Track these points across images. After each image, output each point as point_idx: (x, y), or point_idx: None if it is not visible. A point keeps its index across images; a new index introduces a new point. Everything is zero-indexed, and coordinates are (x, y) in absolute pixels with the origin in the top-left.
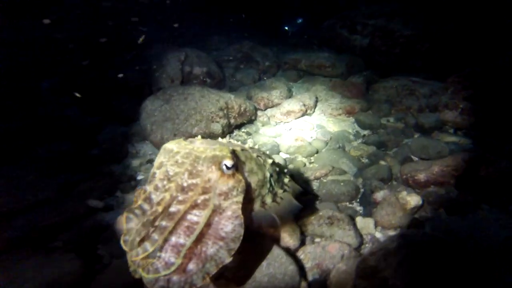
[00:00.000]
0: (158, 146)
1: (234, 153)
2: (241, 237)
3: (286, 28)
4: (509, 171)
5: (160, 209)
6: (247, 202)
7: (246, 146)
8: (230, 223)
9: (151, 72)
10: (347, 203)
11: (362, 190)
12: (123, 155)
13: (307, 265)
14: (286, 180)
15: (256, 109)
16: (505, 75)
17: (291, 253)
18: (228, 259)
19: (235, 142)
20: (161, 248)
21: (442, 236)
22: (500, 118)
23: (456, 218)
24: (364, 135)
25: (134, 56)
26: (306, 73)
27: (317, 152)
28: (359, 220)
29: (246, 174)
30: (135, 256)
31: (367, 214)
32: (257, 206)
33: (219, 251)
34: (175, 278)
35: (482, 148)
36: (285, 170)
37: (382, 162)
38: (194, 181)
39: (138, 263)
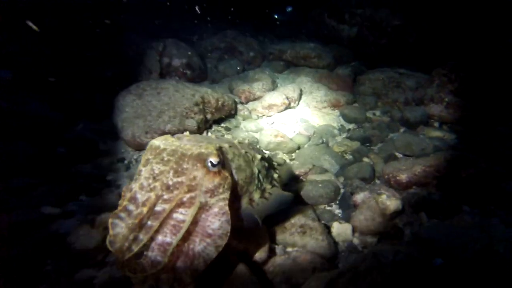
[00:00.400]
0: (130, 144)
1: (220, 150)
2: (228, 234)
3: (276, 16)
4: (488, 172)
5: (145, 210)
6: (234, 198)
7: (235, 141)
8: (217, 220)
9: (127, 64)
10: (326, 206)
11: (342, 190)
12: (92, 154)
13: (276, 279)
14: (276, 175)
15: (236, 103)
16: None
17: (259, 266)
18: (215, 255)
19: (225, 137)
20: (147, 248)
21: (417, 255)
22: (486, 112)
23: (437, 222)
24: (349, 129)
25: (106, 47)
26: (292, 64)
27: (298, 148)
28: (336, 226)
29: (233, 171)
30: (121, 257)
31: (346, 218)
32: (244, 202)
33: (206, 248)
34: (164, 276)
35: (466, 144)
36: (275, 164)
37: (366, 159)
38: (179, 179)
39: (124, 263)
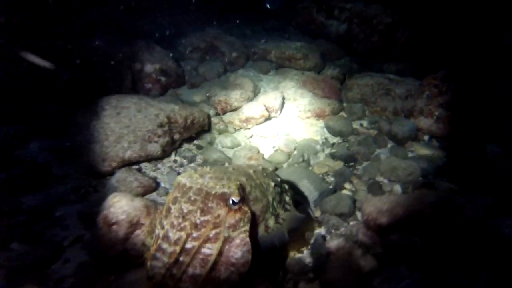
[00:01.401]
0: (87, 170)
1: (240, 188)
2: (250, 261)
3: (268, 5)
4: (474, 221)
5: (178, 249)
6: (252, 228)
7: (251, 171)
8: (239, 250)
9: (93, 71)
10: (295, 253)
11: (317, 231)
12: (44, 181)
13: None
14: (287, 198)
15: (209, 117)
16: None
17: None
18: (239, 280)
19: (243, 168)
20: (180, 280)
21: None
22: (476, 126)
23: (417, 278)
24: (333, 144)
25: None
26: (278, 65)
27: (276, 170)
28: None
29: (251, 203)
30: None
31: (316, 272)
32: (261, 230)
33: (231, 276)
34: None
35: (455, 165)
36: (287, 187)
37: (347, 186)
38: (205, 218)
39: None
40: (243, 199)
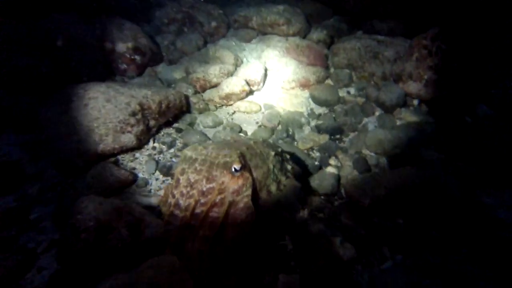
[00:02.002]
0: (61, 167)
1: (241, 156)
2: (253, 221)
3: None
4: (455, 198)
5: (188, 214)
6: (254, 192)
7: (251, 142)
8: (244, 213)
9: (55, 56)
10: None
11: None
12: (19, 178)
13: None
14: (289, 167)
15: (187, 98)
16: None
17: None
18: (245, 239)
19: (242, 139)
20: (193, 240)
21: None
22: (465, 89)
23: (396, 265)
24: (319, 115)
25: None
26: (260, 32)
27: None
28: (282, 278)
29: (252, 169)
30: (178, 252)
31: (297, 261)
32: (263, 195)
33: (237, 235)
34: (206, 258)
35: (442, 133)
36: (288, 157)
37: (332, 163)
38: (211, 185)
39: (178, 253)
40: (244, 166)
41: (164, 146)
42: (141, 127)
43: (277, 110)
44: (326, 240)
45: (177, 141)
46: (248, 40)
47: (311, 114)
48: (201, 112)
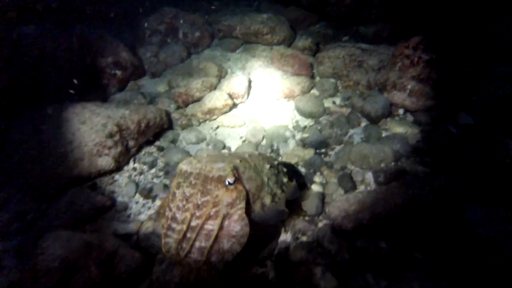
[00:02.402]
0: (33, 193)
1: (234, 169)
2: (248, 233)
3: None
4: (440, 218)
5: (185, 227)
6: (248, 204)
7: (246, 155)
8: (238, 224)
9: (28, 72)
10: (258, 268)
11: (281, 239)
12: None
13: None
14: (285, 179)
15: (168, 115)
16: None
17: None
18: (240, 250)
19: (236, 152)
20: (190, 251)
21: None
22: (449, 98)
23: (383, 286)
24: (304, 127)
25: None
26: (244, 41)
27: None
28: None
29: (245, 181)
30: (177, 261)
31: None
32: (257, 207)
33: (233, 245)
34: (204, 267)
35: (428, 145)
36: (285, 170)
37: (317, 180)
38: (206, 198)
39: (178, 262)
40: (238, 179)
41: (145, 167)
42: (119, 148)
43: (262, 123)
44: (308, 270)
45: (158, 161)
46: (233, 50)
47: (296, 126)
48: (184, 128)
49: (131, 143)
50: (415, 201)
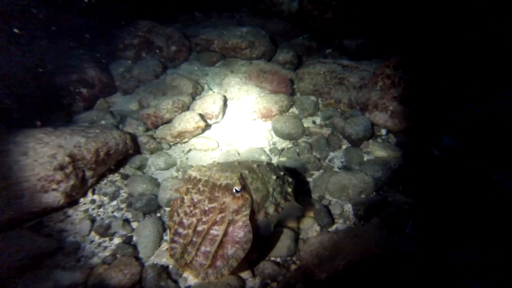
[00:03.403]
0: None
1: (242, 178)
2: (251, 240)
3: None
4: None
5: (191, 232)
6: (253, 213)
7: (254, 166)
8: (242, 231)
9: None
10: None
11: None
12: None
13: None
14: (289, 190)
15: (133, 140)
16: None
17: None
18: (243, 255)
19: (246, 161)
20: (195, 255)
21: None
22: (433, 118)
23: None
24: (282, 150)
25: None
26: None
27: None
28: None
29: (252, 191)
30: (182, 265)
31: None
32: (261, 216)
33: (236, 251)
34: (210, 271)
35: (410, 166)
36: (290, 180)
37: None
38: (213, 205)
39: (184, 266)
40: (244, 188)
41: (105, 198)
42: (72, 181)
43: (236, 146)
44: None
45: (121, 191)
46: (212, 64)
47: (273, 149)
48: (152, 152)
49: (89, 173)
50: (395, 251)
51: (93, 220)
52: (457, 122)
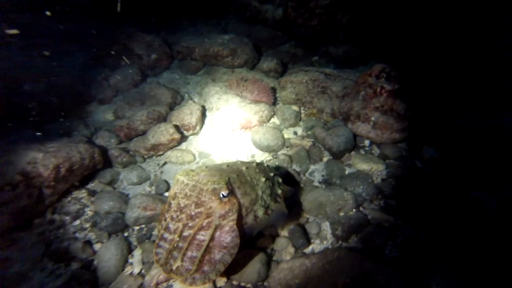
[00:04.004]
0: None
1: (229, 183)
2: (238, 244)
3: None
4: None
5: (176, 237)
6: (241, 217)
7: (244, 168)
8: (229, 236)
9: None
10: None
11: None
12: None
13: None
14: (279, 191)
15: (102, 154)
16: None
17: None
18: (230, 260)
19: (236, 164)
20: (182, 260)
21: None
22: (416, 128)
23: None
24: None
25: None
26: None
27: None
28: None
29: (239, 196)
30: (167, 271)
31: None
32: (250, 220)
33: (224, 256)
34: (197, 276)
35: (394, 181)
36: (280, 181)
37: (266, 233)
38: (199, 210)
39: (169, 271)
40: (232, 192)
41: (67, 217)
42: (24, 201)
43: (214, 158)
44: None
45: (86, 209)
46: (194, 72)
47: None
48: (125, 166)
49: (48, 191)
50: (367, 282)
51: (49, 244)
52: (439, 132)
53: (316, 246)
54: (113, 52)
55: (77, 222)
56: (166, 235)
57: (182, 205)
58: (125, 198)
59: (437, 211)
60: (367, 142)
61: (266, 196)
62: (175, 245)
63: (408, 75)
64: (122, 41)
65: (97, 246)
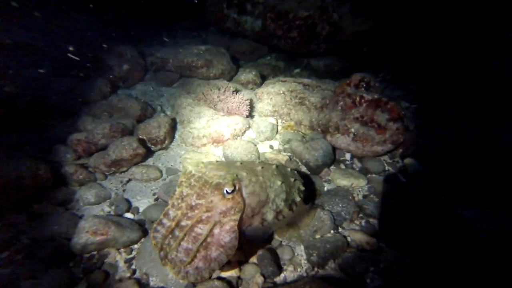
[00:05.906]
0: None
1: (236, 180)
2: (236, 246)
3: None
4: None
5: (173, 224)
6: (246, 217)
7: (259, 167)
8: (228, 236)
9: None
10: None
11: None
12: None
13: None
14: (298, 199)
15: (55, 171)
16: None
17: None
18: (226, 261)
19: (250, 162)
20: (176, 250)
21: None
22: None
23: None
24: None
25: None
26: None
27: (140, 240)
28: None
29: (246, 195)
30: (162, 258)
31: None
32: (256, 222)
33: (220, 255)
34: (191, 271)
35: (376, 199)
36: (302, 189)
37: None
38: (200, 201)
39: (165, 260)
40: (237, 190)
41: None
42: None
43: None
44: None
45: (21, 236)
46: (169, 84)
47: None
48: (82, 184)
49: None
50: None
51: None
52: (422, 145)
53: (288, 274)
54: (79, 61)
55: (5, 254)
56: (165, 220)
57: (184, 193)
58: (76, 221)
59: (423, 233)
60: (348, 156)
61: (279, 200)
62: (171, 231)
63: (390, 84)
64: (90, 51)
65: (26, 284)
